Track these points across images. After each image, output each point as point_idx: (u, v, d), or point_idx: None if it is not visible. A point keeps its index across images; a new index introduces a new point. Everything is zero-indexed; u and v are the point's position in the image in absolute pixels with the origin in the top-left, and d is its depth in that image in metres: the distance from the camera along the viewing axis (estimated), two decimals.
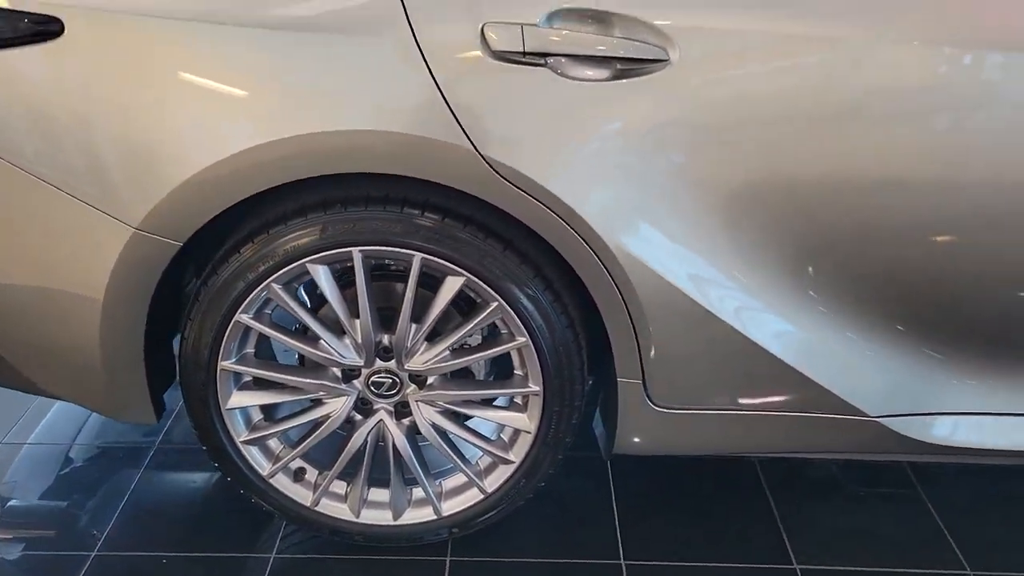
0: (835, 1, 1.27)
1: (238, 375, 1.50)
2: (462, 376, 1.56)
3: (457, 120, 1.25)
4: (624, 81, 1.26)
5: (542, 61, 1.25)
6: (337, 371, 1.50)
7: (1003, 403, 1.52)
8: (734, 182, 1.31)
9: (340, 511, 1.61)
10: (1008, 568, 1.69)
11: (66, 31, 1.27)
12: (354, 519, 1.61)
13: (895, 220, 1.34)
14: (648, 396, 1.48)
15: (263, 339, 1.50)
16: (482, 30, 1.24)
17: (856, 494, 1.89)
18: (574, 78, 1.25)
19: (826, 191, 1.32)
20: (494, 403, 1.59)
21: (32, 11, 1.28)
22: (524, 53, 1.24)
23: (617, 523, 1.76)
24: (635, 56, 1.25)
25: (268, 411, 1.57)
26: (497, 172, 1.28)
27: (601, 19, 1.25)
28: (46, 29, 1.28)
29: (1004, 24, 1.28)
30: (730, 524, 1.78)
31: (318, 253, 1.36)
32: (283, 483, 1.59)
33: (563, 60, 1.25)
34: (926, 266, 1.39)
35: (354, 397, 1.52)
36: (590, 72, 1.25)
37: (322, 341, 1.46)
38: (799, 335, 1.44)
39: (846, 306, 1.43)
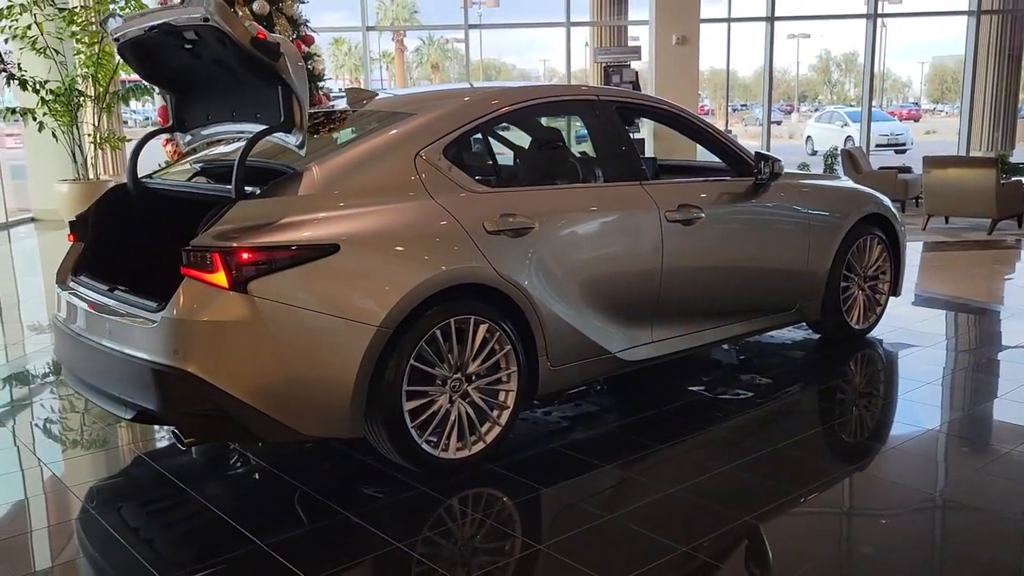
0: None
1: (406, 392, 3.23)
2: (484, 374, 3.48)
3: (487, 260, 3.35)
4: (522, 237, 3.50)
5: (502, 232, 3.42)
6: (440, 381, 3.33)
7: (659, 336, 4.04)
8: (572, 272, 3.64)
9: (449, 455, 3.36)
10: None
11: (341, 249, 3.05)
12: (454, 457, 3.37)
13: (616, 276, 3.82)
14: (549, 362, 3.62)
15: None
16: (483, 225, 3.38)
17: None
18: (510, 237, 3.45)
19: (596, 271, 3.72)
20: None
21: (323, 243, 3.03)
22: (497, 231, 3.41)
23: None
24: (524, 226, 3.50)
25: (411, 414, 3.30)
26: (501, 276, 3.39)
27: (511, 215, 3.49)
28: (331, 250, 3.03)
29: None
30: None
31: (437, 325, 3.26)
32: (425, 448, 3.30)
33: (505, 231, 3.44)
34: (616, 294, 3.84)
35: (448, 393, 3.35)
36: (509, 232, 3.46)
37: (437, 367, 3.30)
38: (592, 326, 3.76)
39: (602, 311, 3.80)
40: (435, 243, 3.29)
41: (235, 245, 2.95)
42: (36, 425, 4.28)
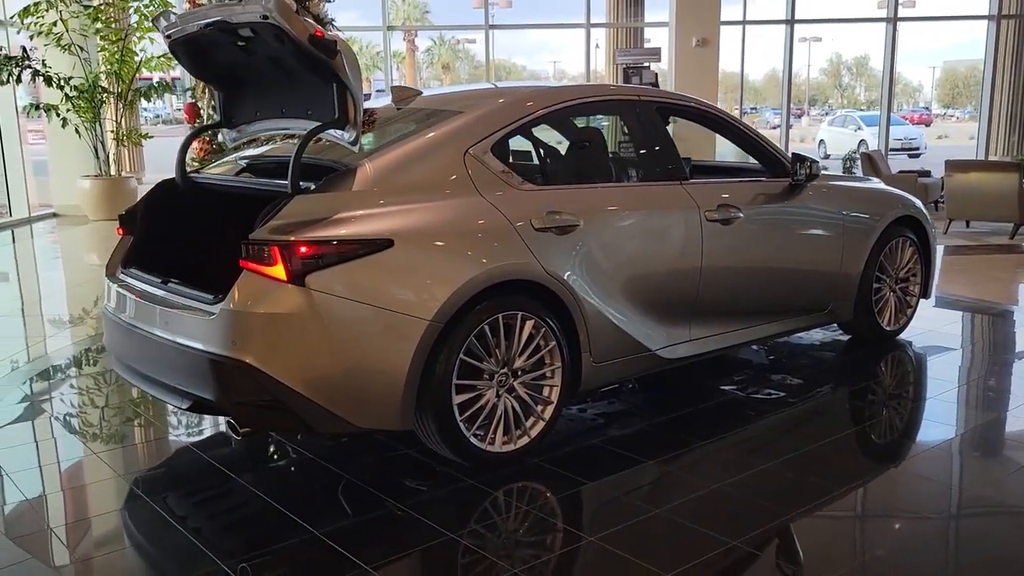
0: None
1: (455, 385, 3.27)
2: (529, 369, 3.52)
3: (535, 256, 3.40)
4: (568, 235, 3.54)
5: (548, 230, 3.47)
6: (487, 375, 3.37)
7: (697, 334, 4.07)
8: (615, 270, 3.68)
9: (495, 449, 3.40)
10: None
11: (395, 244, 3.09)
12: (500, 450, 3.42)
13: (657, 274, 3.85)
14: (592, 358, 3.66)
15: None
16: (531, 222, 3.42)
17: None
18: (556, 235, 3.49)
19: (638, 268, 3.76)
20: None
21: (378, 238, 3.07)
22: (544, 228, 3.45)
23: None
24: (570, 223, 3.55)
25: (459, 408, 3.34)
26: (547, 272, 3.43)
27: (557, 212, 3.53)
28: (385, 245, 3.08)
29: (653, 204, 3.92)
30: None
31: (486, 319, 3.30)
32: (473, 441, 3.34)
33: (552, 229, 3.48)
34: (657, 292, 3.88)
35: (495, 388, 3.39)
36: (555, 230, 3.50)
37: (485, 361, 3.34)
38: (634, 324, 3.80)
39: (643, 309, 3.84)
40: (486, 239, 3.34)
41: (293, 239, 2.99)
42: (76, 416, 4.34)
